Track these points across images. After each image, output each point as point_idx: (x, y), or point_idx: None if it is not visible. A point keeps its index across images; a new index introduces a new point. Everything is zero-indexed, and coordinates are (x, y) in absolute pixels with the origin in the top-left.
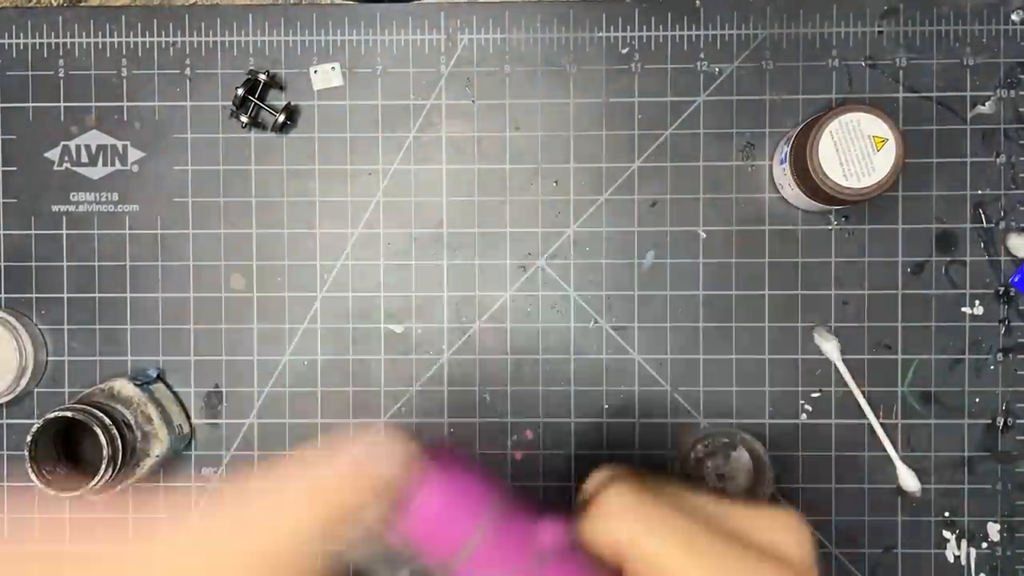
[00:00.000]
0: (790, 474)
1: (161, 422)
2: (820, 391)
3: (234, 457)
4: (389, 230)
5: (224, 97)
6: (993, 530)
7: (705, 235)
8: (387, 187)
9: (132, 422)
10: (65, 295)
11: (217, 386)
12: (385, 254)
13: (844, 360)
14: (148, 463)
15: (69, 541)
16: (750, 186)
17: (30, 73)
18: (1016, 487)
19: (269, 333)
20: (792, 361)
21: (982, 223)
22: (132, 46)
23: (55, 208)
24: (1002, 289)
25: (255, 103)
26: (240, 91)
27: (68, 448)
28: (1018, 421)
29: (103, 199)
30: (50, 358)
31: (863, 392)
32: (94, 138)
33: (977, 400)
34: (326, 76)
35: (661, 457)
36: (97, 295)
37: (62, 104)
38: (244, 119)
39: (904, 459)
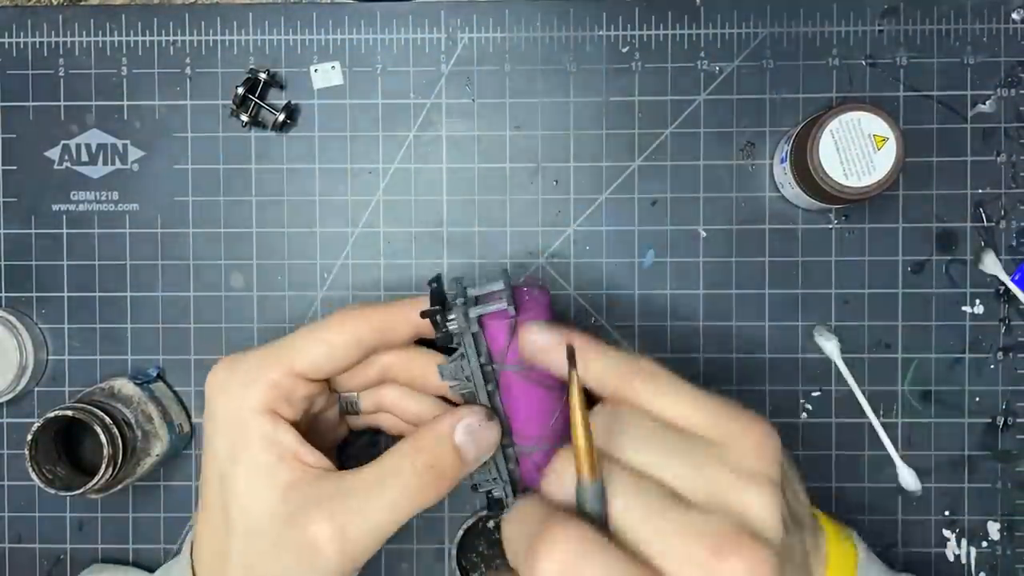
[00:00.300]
0: None
1: (161, 421)
2: (820, 390)
3: None
4: (389, 229)
5: (224, 96)
6: (993, 529)
7: (705, 234)
8: (387, 186)
9: (132, 421)
10: (65, 294)
11: None
12: (385, 253)
13: (844, 359)
14: (148, 462)
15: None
16: (750, 185)
17: (30, 72)
18: (1016, 486)
19: (269, 332)
20: (792, 360)
21: (983, 222)
22: (132, 45)
23: (55, 207)
24: (1002, 288)
25: (255, 102)
26: (240, 90)
27: (68, 447)
28: (1018, 420)
29: (103, 198)
30: (50, 357)
31: (863, 391)
32: (94, 137)
33: (977, 399)
34: (326, 75)
35: None
36: (97, 294)
37: (62, 103)
38: (244, 118)
39: (904, 458)
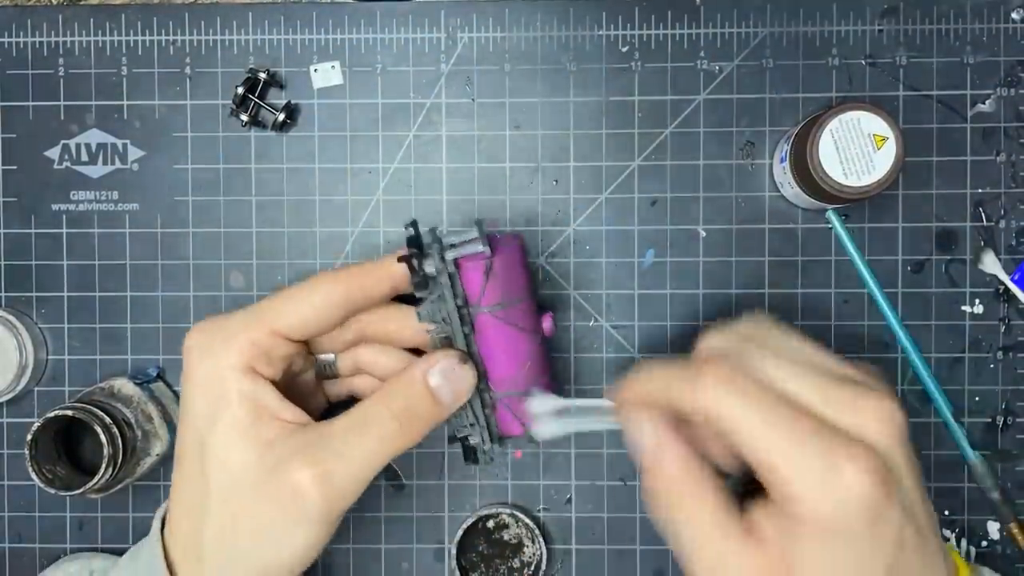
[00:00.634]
0: None
1: (161, 421)
2: None
3: None
4: (389, 229)
5: (224, 96)
6: (993, 529)
7: (705, 234)
8: (387, 186)
9: (132, 421)
10: (65, 294)
11: None
12: (385, 253)
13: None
14: (148, 462)
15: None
16: (750, 185)
17: (30, 72)
18: (1016, 486)
19: None
20: None
21: (982, 221)
22: (132, 44)
23: (55, 207)
24: (1002, 288)
25: (255, 102)
26: (240, 90)
27: (68, 447)
28: (1018, 420)
29: (103, 198)
30: (50, 357)
31: None
32: (94, 137)
33: (977, 399)
34: (326, 75)
35: None
36: (97, 294)
37: (62, 103)
38: (244, 118)
39: None
